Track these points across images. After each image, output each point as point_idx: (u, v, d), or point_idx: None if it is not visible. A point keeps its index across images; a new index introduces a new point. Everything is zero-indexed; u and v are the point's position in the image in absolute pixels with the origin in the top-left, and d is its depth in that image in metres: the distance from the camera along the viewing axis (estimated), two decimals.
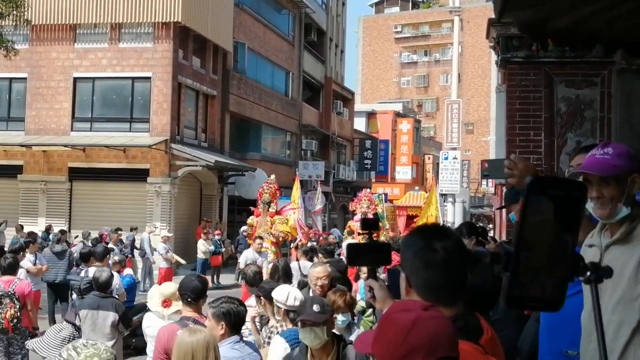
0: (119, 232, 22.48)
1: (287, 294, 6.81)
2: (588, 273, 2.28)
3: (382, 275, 6.43)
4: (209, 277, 26.42)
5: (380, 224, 23.13)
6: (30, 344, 4.59)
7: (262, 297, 7.46)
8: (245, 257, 17.38)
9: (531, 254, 1.47)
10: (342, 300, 6.88)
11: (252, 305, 8.08)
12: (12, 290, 10.17)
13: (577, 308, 3.75)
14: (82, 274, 12.37)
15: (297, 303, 6.63)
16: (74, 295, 11.93)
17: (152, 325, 7.31)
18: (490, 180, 42.22)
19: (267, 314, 7.39)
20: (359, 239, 21.01)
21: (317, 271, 8.42)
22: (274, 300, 6.92)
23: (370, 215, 22.74)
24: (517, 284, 1.48)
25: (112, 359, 3.78)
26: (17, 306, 10.00)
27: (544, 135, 9.26)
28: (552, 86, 9.29)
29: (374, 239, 3.15)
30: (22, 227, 24.95)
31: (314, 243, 23.68)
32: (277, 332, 6.58)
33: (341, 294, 7.08)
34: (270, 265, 11.83)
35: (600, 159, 3.46)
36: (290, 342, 5.91)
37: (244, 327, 8.04)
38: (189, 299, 6.57)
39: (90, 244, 19.52)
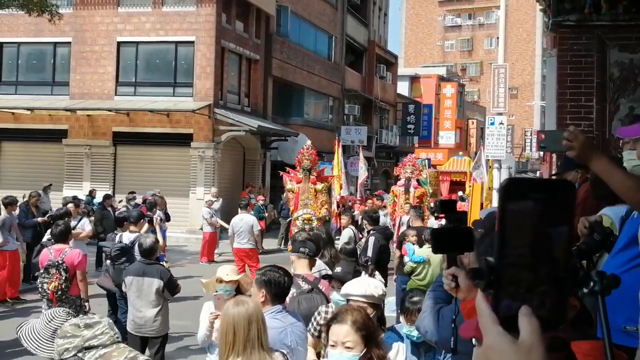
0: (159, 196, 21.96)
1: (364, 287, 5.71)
2: (592, 283, 1.88)
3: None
4: None
5: (423, 189, 23.00)
6: (22, 332, 4.29)
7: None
8: (347, 235, 15.28)
9: (517, 267, 1.22)
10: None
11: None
12: (61, 260, 9.84)
13: (636, 283, 3.64)
14: (117, 239, 12.23)
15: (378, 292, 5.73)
16: (107, 261, 11.92)
17: None
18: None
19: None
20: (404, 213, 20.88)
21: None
22: (346, 296, 5.77)
23: (414, 182, 22.59)
24: (505, 302, 1.25)
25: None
26: (63, 277, 9.71)
27: (595, 101, 8.97)
28: (604, 50, 8.98)
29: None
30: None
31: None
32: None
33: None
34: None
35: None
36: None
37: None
38: (308, 254, 7.18)
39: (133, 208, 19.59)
